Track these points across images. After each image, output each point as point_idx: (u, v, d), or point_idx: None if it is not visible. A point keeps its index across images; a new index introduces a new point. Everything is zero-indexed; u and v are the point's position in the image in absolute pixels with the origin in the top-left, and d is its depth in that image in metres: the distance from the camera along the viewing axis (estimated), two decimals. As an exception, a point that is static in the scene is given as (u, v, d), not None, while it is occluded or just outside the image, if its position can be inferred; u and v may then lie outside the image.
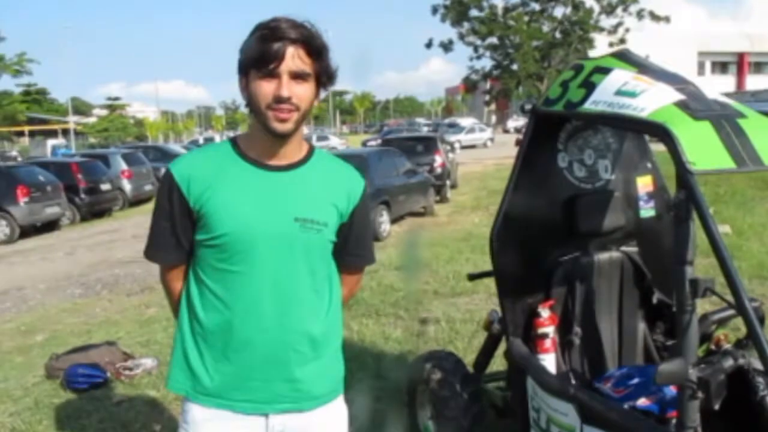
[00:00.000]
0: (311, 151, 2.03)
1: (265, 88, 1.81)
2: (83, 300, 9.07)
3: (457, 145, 28.10)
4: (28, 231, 15.92)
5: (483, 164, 27.78)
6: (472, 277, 3.83)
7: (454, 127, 48.73)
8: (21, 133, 70.68)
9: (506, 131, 62.05)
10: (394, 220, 13.02)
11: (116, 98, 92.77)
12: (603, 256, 3.18)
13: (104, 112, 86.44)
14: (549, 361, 3.04)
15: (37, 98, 75.38)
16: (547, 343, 3.04)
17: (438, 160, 16.83)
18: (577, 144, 3.16)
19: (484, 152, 38.05)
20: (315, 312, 2.00)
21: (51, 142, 62.03)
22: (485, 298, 6.83)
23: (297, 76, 1.81)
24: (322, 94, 1.94)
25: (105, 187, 18.94)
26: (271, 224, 1.90)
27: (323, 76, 1.88)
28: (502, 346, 3.52)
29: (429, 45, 30.87)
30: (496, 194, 16.77)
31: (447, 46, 30.36)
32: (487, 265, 8.33)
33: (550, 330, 3.04)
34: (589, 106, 2.63)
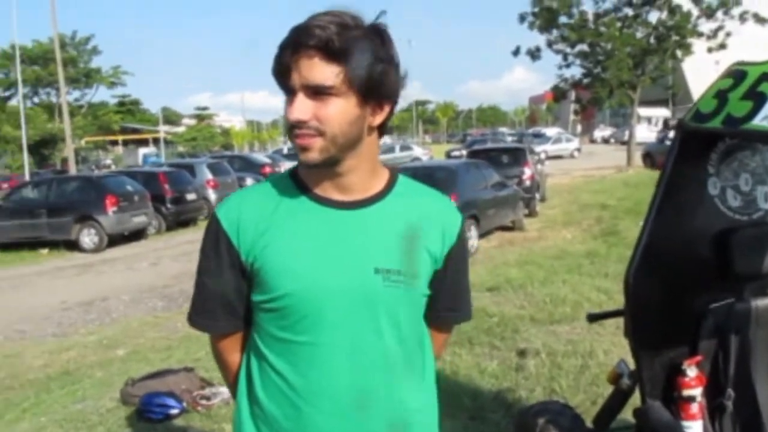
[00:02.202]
0: (393, 179, 1.56)
1: (287, 110, 1.40)
2: (165, 313, 8.97)
3: (543, 156, 27.24)
4: (116, 240, 16.19)
5: (571, 176, 26.88)
6: (593, 319, 3.31)
7: (540, 137, 47.75)
8: (115, 142, 73.58)
9: (593, 141, 60.46)
10: (482, 235, 12.51)
11: (204, 108, 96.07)
12: (762, 303, 2.62)
13: (193, 122, 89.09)
14: (696, 430, 2.51)
15: (131, 109, 78.30)
16: (694, 408, 2.51)
17: (527, 172, 16.18)
18: (731, 167, 2.62)
19: (572, 163, 36.99)
20: (405, 389, 1.54)
21: (142, 151, 64.53)
22: (587, 326, 6.23)
23: (316, 91, 1.37)
24: (385, 108, 1.46)
25: (191, 196, 19.12)
26: (345, 279, 1.45)
27: (360, 85, 1.37)
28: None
29: (516, 53, 29.95)
30: (588, 209, 16.11)
31: (534, 54, 29.36)
32: (585, 288, 7.81)
33: (697, 392, 2.50)
34: (760, 122, 2.11)
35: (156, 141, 68.65)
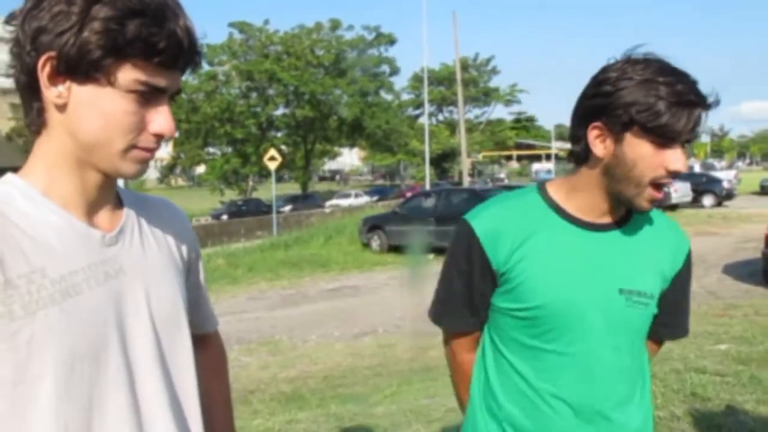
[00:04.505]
0: None
1: (659, 158, 1.46)
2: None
3: None
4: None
5: None
6: None
7: None
8: (510, 157, 77.00)
9: None
10: None
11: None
12: None
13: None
14: None
15: (526, 125, 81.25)
16: None
17: None
18: None
19: None
20: (630, 402, 1.63)
21: (535, 167, 66.54)
22: None
23: (685, 143, 1.48)
24: None
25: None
26: (594, 296, 1.55)
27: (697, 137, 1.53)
28: None
29: None
30: None
31: None
32: None
33: None
34: None
35: (549, 157, 70.13)
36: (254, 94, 47.47)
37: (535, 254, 1.55)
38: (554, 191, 1.63)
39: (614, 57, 1.52)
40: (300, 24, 47.86)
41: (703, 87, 1.46)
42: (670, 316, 1.70)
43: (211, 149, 50.27)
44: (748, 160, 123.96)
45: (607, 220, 1.59)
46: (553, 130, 75.13)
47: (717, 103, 1.46)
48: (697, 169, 40.33)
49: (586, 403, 1.57)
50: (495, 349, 1.65)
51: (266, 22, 47.11)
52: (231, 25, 46.45)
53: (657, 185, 1.49)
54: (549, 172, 61.53)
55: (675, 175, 1.48)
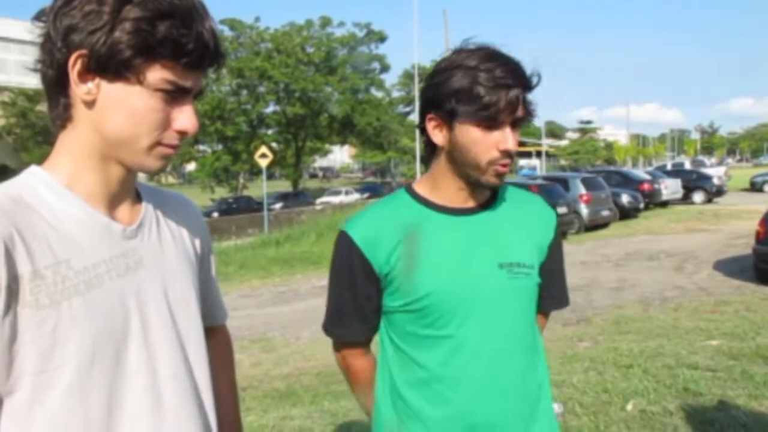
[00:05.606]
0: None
1: (489, 140, 1.56)
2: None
3: None
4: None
5: None
6: None
7: None
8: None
9: None
10: None
11: (588, 122, 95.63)
12: None
13: (576, 136, 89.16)
14: None
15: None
16: None
17: None
18: None
19: None
20: (530, 370, 1.71)
21: (521, 162, 66.70)
22: None
23: (516, 124, 1.58)
24: None
25: (561, 210, 19.14)
26: (475, 276, 1.62)
27: (529, 118, 1.61)
28: None
29: None
30: None
31: None
32: None
33: None
34: None
35: (539, 154, 70.23)
36: (245, 92, 47.30)
37: (414, 249, 1.62)
38: (420, 188, 1.70)
39: (449, 49, 1.61)
40: (291, 21, 47.68)
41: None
42: (551, 287, 1.80)
43: (201, 147, 50.08)
44: (737, 157, 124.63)
45: (473, 203, 1.67)
46: (543, 126, 75.36)
47: (537, 82, 1.57)
48: (688, 165, 40.41)
49: (487, 380, 1.62)
50: (395, 348, 1.70)
51: (257, 19, 47.02)
52: (222, 22, 46.27)
53: (501, 164, 1.58)
54: (533, 168, 61.66)
55: (509, 155, 1.57)
